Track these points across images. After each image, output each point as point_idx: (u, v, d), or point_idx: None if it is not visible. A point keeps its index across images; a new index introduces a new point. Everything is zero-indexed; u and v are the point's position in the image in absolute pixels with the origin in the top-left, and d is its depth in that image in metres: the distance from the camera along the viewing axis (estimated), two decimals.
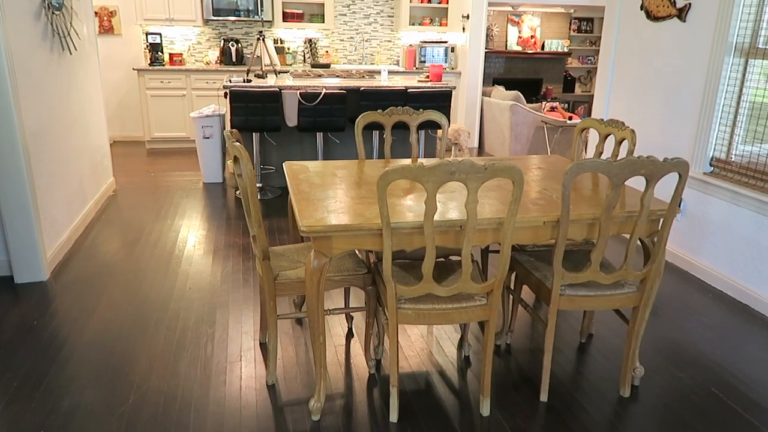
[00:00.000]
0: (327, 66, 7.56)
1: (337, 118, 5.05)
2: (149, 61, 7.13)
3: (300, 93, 4.90)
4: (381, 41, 8.12)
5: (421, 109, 3.22)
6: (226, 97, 5.30)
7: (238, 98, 4.82)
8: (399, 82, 5.61)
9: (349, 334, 2.96)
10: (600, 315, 3.19)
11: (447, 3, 7.89)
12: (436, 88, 5.26)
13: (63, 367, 2.64)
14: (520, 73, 10.64)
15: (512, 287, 2.82)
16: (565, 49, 10.70)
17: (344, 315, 3.10)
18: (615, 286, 2.36)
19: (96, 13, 7.17)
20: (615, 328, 3.08)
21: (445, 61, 7.87)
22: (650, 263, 2.33)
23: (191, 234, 4.34)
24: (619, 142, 2.87)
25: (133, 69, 7.00)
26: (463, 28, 7.61)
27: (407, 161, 3.18)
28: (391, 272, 2.10)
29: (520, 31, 10.49)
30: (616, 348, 2.90)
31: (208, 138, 5.52)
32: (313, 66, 7.58)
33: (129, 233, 4.33)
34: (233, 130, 2.47)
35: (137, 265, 3.78)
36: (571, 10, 10.59)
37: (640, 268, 2.36)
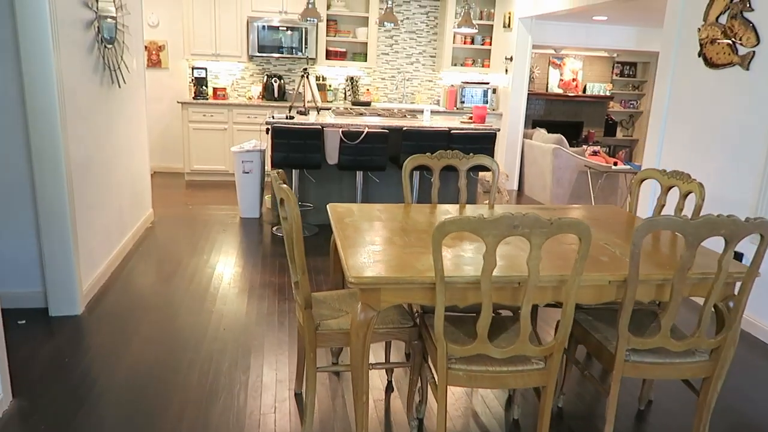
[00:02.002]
0: (368, 104, 7.56)
1: (378, 158, 4.98)
2: (193, 95, 7.24)
3: (342, 131, 4.86)
4: (422, 81, 8.12)
5: (471, 153, 3.10)
6: (267, 133, 5.30)
7: (279, 134, 4.80)
8: (440, 123, 5.53)
9: (389, 388, 2.80)
10: (660, 380, 2.96)
11: (490, 45, 7.86)
12: (479, 129, 5.16)
13: (93, 408, 2.54)
14: (560, 116, 10.52)
15: (566, 346, 2.63)
16: (608, 93, 10.56)
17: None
18: (685, 354, 2.16)
19: (146, 47, 7.34)
20: (677, 395, 2.85)
21: (486, 102, 7.79)
22: (725, 330, 2.13)
23: (227, 271, 4.26)
24: (683, 196, 2.69)
25: (178, 102, 7.11)
26: (506, 70, 7.55)
27: (452, 207, 3.06)
28: (443, 330, 1.95)
29: (561, 74, 10.41)
30: (680, 418, 2.66)
31: (247, 173, 5.50)
32: (354, 104, 7.59)
33: (165, 267, 4.28)
34: (280, 170, 2.39)
35: (172, 301, 3.70)
36: (615, 54, 10.48)
37: (713, 335, 2.15)
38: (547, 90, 10.28)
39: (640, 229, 1.93)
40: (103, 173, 4.01)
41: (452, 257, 2.13)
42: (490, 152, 5.17)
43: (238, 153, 5.47)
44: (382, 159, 5.00)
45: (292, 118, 5.09)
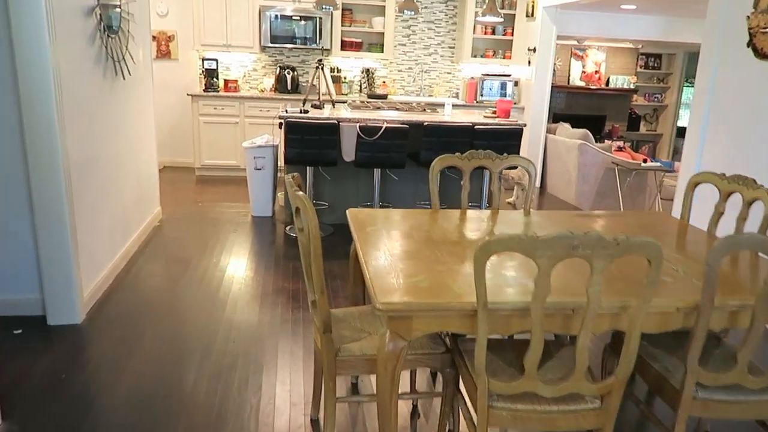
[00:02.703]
0: (384, 97, 7.27)
1: (397, 155, 4.70)
2: (204, 87, 6.99)
3: (359, 126, 4.58)
4: (440, 73, 7.80)
5: (497, 150, 2.82)
6: (280, 128, 5.04)
7: (293, 130, 4.53)
8: (460, 117, 5.24)
9: (414, 413, 2.53)
10: None
11: (512, 35, 7.53)
12: (505, 125, 4.86)
13: (91, 429, 2.30)
14: (582, 110, 10.15)
15: None
16: (632, 86, 10.17)
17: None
18: (763, 392, 1.87)
19: (154, 37, 7.10)
20: (736, 426, 2.56)
21: (507, 95, 7.47)
22: None
23: (238, 274, 4.01)
24: (748, 204, 2.39)
25: (188, 94, 6.86)
26: (529, 62, 7.22)
27: (483, 213, 2.77)
28: (485, 363, 1.68)
29: (584, 66, 10.04)
30: None
31: (259, 169, 5.25)
32: (370, 96, 7.31)
33: (172, 270, 4.04)
34: (295, 174, 2.12)
35: (178, 308, 3.46)
36: (639, 46, 10.08)
37: None
38: (568, 83, 9.93)
39: (717, 249, 1.65)
40: (106, 171, 3.77)
41: (492, 276, 1.85)
42: (517, 149, 4.87)
43: (249, 149, 5.21)
44: (402, 156, 4.72)
45: (306, 112, 4.82)
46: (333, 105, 5.49)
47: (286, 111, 4.77)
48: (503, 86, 7.44)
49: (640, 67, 10.48)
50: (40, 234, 3.12)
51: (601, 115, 10.33)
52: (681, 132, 10.93)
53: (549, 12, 6.86)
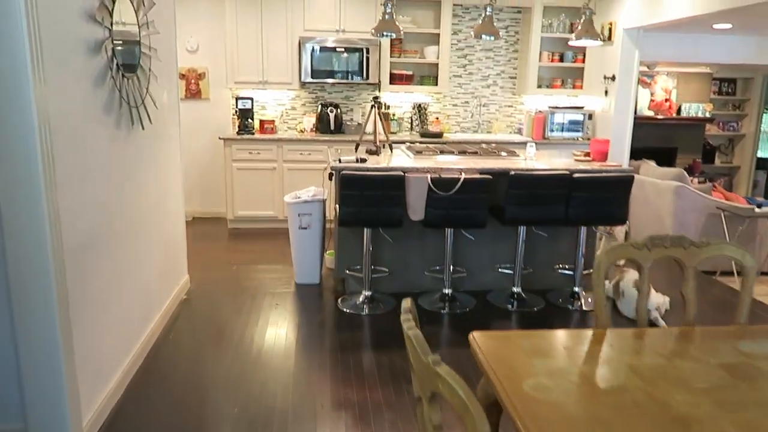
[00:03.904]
0: (439, 135, 6.40)
1: (477, 212, 3.78)
2: (237, 129, 6.22)
3: (431, 178, 3.69)
4: (500, 106, 6.92)
5: (703, 239, 1.86)
6: (330, 179, 4.18)
7: (350, 184, 3.66)
8: (543, 161, 4.31)
9: None
10: None
11: (583, 62, 6.62)
12: (611, 173, 3.91)
13: None
14: (650, 141, 9.13)
15: None
16: (707, 114, 9.13)
17: None
18: None
19: (183, 75, 6.40)
20: None
21: (582, 130, 6.53)
22: None
23: (283, 380, 3.10)
24: None
25: (219, 138, 6.09)
26: (606, 91, 6.29)
27: (674, 330, 1.82)
28: None
29: (652, 94, 9.06)
30: None
31: (305, 228, 4.38)
32: (423, 135, 6.45)
33: (200, 369, 3.16)
34: (410, 309, 1.22)
35: None
36: (714, 70, 9.09)
37: None
38: (635, 112, 8.94)
39: None
40: (119, 245, 2.93)
41: None
42: (625, 203, 3.92)
43: (293, 204, 4.36)
44: (483, 213, 3.81)
45: (363, 160, 3.95)
46: (390, 149, 4.63)
47: (339, 160, 3.91)
48: (576, 120, 6.50)
49: (714, 94, 9.45)
50: (21, 343, 2.27)
51: (672, 147, 9.30)
52: (761, 164, 9.84)
53: (630, 34, 5.95)
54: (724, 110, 9.61)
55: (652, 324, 3.85)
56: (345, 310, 4.02)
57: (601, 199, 3.86)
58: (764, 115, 9.61)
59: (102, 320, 2.71)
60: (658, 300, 3.91)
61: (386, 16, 3.90)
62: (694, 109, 9.12)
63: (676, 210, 5.53)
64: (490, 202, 3.89)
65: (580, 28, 4.07)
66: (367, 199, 3.68)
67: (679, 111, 9.15)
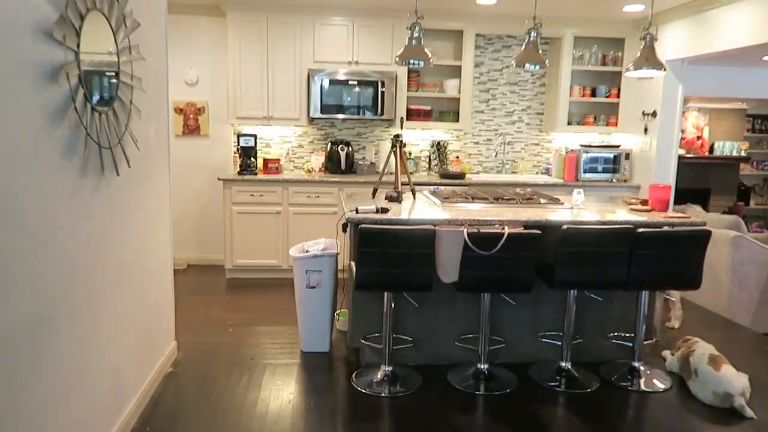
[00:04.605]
0: (461, 176, 5.80)
1: (523, 273, 3.14)
2: (239, 168, 5.63)
3: (467, 233, 3.05)
4: (526, 144, 6.34)
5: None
6: (344, 231, 3.56)
7: (371, 241, 3.03)
8: (594, 210, 3.69)
9: None
10: None
11: (617, 97, 6.06)
12: (686, 228, 3.28)
13: None
14: (681, 182, 8.47)
15: None
16: (743, 153, 8.54)
17: None
18: None
19: (180, 109, 5.85)
20: None
21: (617, 171, 5.92)
22: None
23: None
24: None
25: (219, 179, 5.50)
26: (645, 129, 5.71)
27: None
28: None
29: (683, 131, 8.50)
30: None
31: (313, 288, 3.74)
32: (443, 176, 5.85)
33: None
34: None
35: None
36: (750, 106, 8.53)
37: None
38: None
39: None
40: (76, 324, 2.29)
41: None
42: (699, 263, 3.27)
43: (300, 259, 3.72)
44: (529, 275, 3.16)
45: (385, 210, 3.33)
46: (413, 195, 4.01)
47: (357, 210, 3.28)
48: (613, 160, 5.90)
49: (747, 131, 8.89)
50: None
51: (705, 188, 8.69)
52: None
53: (674, 67, 5.39)
54: (758, 148, 9.03)
55: (736, 412, 3.15)
56: (361, 389, 3.34)
57: (671, 258, 3.22)
58: None
59: (46, 426, 2.05)
60: (742, 383, 3.21)
61: (413, 42, 3.32)
62: (728, 147, 8.53)
63: (735, 263, 4.86)
64: (539, 260, 3.24)
65: (639, 55, 3.49)
66: (392, 259, 3.05)
67: (711, 149, 8.57)
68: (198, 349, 3.87)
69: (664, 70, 3.52)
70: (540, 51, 3.61)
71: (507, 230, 3.05)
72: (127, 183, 2.82)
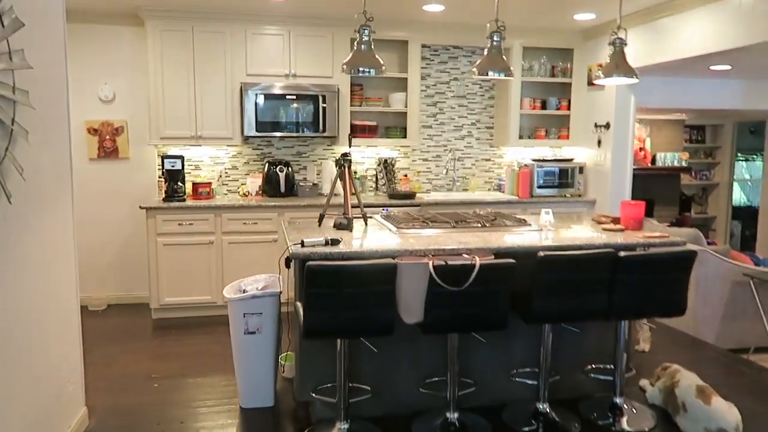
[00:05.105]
0: (411, 196, 5.40)
1: (497, 308, 2.74)
2: (164, 195, 5.01)
3: (433, 266, 2.62)
4: (477, 160, 6.02)
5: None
6: (288, 267, 3.05)
7: (321, 281, 2.54)
8: (573, 232, 3.36)
9: None
10: None
11: (568, 109, 5.85)
12: (671, 251, 2.97)
13: None
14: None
15: None
16: (684, 163, 8.60)
17: None
18: None
19: (95, 130, 5.19)
20: None
21: (573, 186, 5.69)
22: None
23: None
24: None
25: (141, 207, 4.86)
26: (599, 142, 5.51)
27: None
28: None
29: None
30: None
31: (252, 333, 3.20)
32: (391, 196, 5.44)
33: None
34: None
35: None
36: (686, 117, 8.62)
37: None
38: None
39: None
40: None
41: None
42: (685, 288, 2.97)
43: (236, 301, 3.18)
44: (503, 312, 2.76)
45: (336, 242, 2.85)
46: (365, 221, 3.55)
47: (302, 243, 2.79)
48: (567, 174, 5.66)
49: (686, 141, 8.99)
50: None
51: (648, 200, 8.68)
52: (735, 213, 9.38)
53: None
54: (696, 158, 9.15)
55: None
56: None
57: (654, 283, 2.90)
58: (737, 162, 9.22)
59: None
60: (734, 415, 2.92)
61: (362, 47, 2.90)
62: (669, 158, 8.57)
63: (699, 279, 4.66)
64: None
65: (609, 62, 3.19)
66: (346, 300, 2.57)
67: (654, 160, 8.59)
68: (115, 412, 3.24)
69: (636, 77, 3.24)
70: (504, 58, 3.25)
71: (478, 261, 2.64)
72: (8, 221, 2.22)
